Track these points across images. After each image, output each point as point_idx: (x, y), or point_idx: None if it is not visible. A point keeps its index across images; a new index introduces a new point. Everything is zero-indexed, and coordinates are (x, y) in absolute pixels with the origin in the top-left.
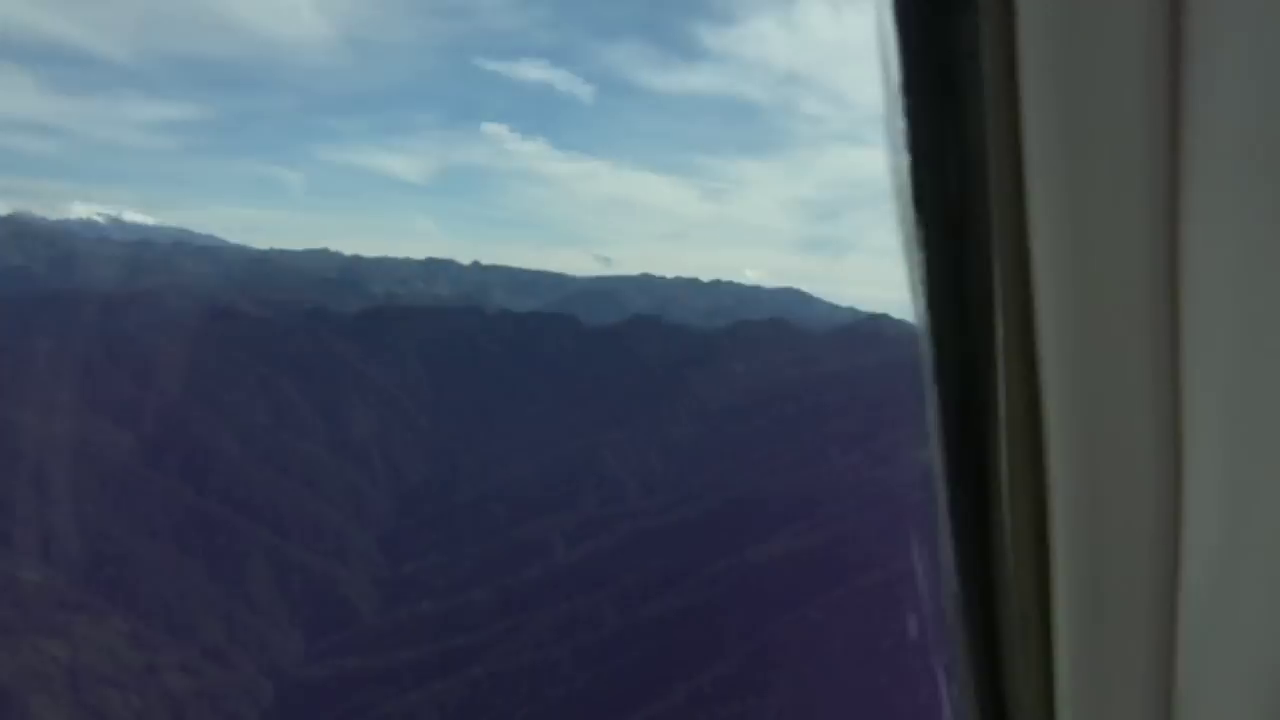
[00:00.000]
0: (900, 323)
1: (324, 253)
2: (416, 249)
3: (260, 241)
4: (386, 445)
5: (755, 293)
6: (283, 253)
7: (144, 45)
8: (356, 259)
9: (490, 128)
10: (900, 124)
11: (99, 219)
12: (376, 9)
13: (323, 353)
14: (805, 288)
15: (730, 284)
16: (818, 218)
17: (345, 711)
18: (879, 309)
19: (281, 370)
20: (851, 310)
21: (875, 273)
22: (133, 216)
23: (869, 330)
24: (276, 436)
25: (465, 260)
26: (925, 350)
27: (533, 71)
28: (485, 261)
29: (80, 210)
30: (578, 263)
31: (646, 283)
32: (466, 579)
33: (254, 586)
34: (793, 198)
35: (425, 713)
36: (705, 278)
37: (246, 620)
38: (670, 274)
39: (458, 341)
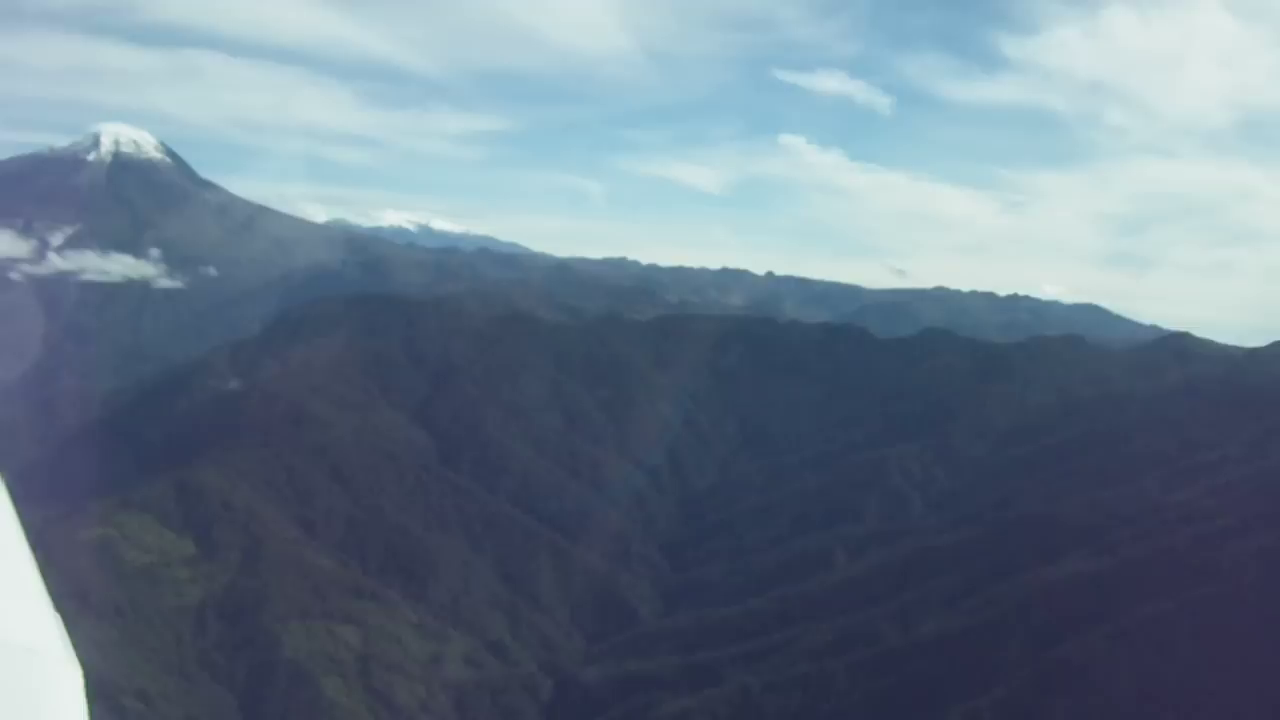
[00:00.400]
0: (1203, 341)
1: (622, 261)
2: (712, 258)
3: (561, 250)
4: (673, 451)
5: (1053, 308)
6: (582, 261)
7: (454, 60)
8: (653, 267)
9: (788, 139)
10: None
11: (409, 226)
12: (677, 22)
13: (614, 358)
14: (1106, 304)
15: (1027, 298)
16: (1121, 232)
17: (621, 713)
18: (1182, 327)
19: (574, 374)
20: (1154, 328)
21: (1181, 289)
22: (441, 224)
23: (1170, 348)
24: (567, 439)
25: (759, 270)
26: None
27: (831, 83)
28: (779, 272)
29: (392, 218)
30: (872, 274)
31: (941, 295)
32: (746, 587)
33: (539, 585)
34: (1095, 211)
35: (697, 719)
36: (1002, 292)
37: (530, 617)
38: (966, 287)
39: (748, 350)
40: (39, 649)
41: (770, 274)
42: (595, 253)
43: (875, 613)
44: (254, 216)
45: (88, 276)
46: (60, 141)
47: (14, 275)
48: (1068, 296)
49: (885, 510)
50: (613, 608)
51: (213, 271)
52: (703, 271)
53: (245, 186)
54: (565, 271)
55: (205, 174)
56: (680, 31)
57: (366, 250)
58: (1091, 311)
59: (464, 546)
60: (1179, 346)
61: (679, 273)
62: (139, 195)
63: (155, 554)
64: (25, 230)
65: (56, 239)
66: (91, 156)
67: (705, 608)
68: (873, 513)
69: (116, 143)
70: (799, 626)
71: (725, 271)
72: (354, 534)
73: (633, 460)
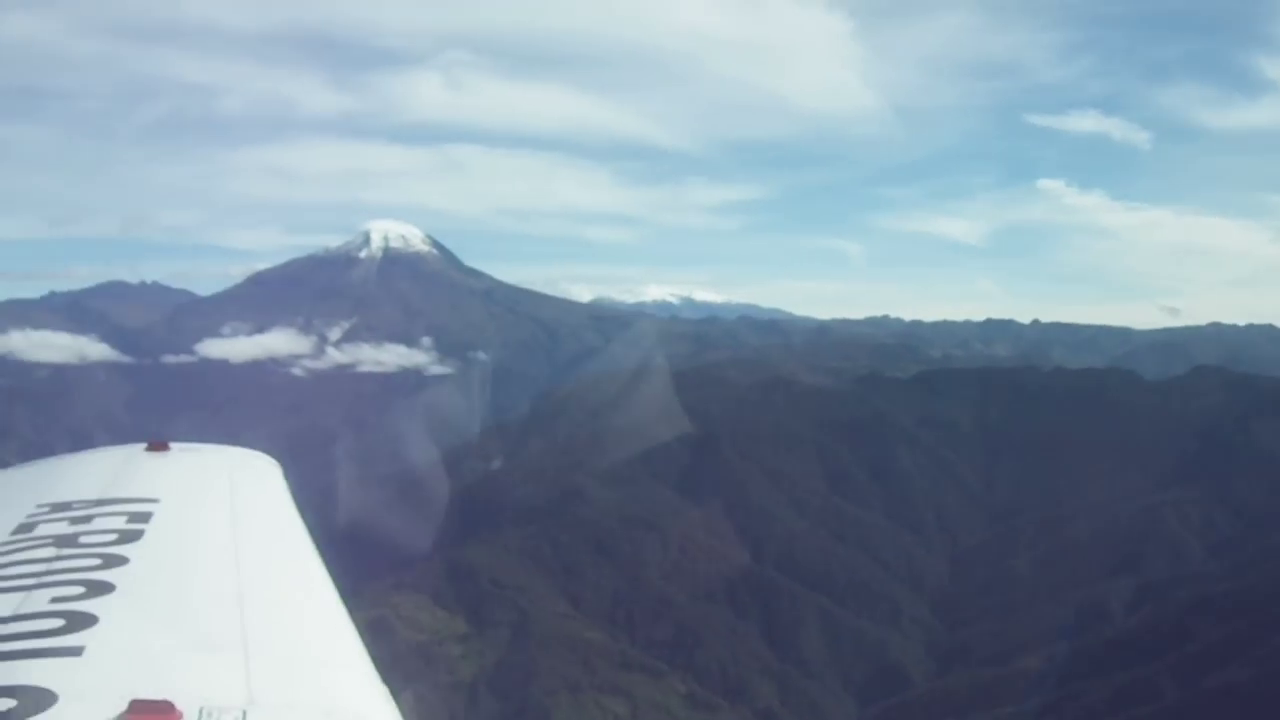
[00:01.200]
0: None
1: (884, 319)
2: (976, 310)
3: (823, 312)
4: (940, 508)
5: None
6: (843, 322)
7: (705, 133)
8: (915, 323)
9: (1046, 183)
10: None
11: (671, 299)
12: (921, 76)
13: (876, 417)
14: None
15: None
16: None
17: None
18: None
19: (837, 436)
20: None
21: None
22: (703, 295)
23: None
24: (830, 501)
25: (1025, 319)
26: None
27: (1085, 122)
28: (1045, 319)
29: (654, 292)
30: (1143, 315)
31: (1215, 332)
32: (1019, 645)
33: (807, 650)
34: None
35: None
36: None
37: (799, 683)
38: (1243, 321)
39: (1013, 401)
40: None
41: (1036, 322)
42: (857, 313)
43: (1156, 667)
44: (519, 300)
45: (364, 368)
46: (334, 241)
47: (296, 370)
48: None
49: (1163, 559)
50: (884, 670)
51: (482, 356)
52: (966, 324)
53: (509, 271)
54: (826, 333)
55: (470, 262)
56: (926, 85)
57: (629, 325)
58: None
59: (730, 614)
60: None
61: (941, 327)
62: (409, 287)
63: (429, 632)
64: (305, 328)
65: (334, 334)
66: (363, 253)
67: (978, 667)
68: (1149, 562)
69: (386, 238)
70: (1075, 684)
71: (990, 323)
72: (620, 606)
73: (899, 519)
